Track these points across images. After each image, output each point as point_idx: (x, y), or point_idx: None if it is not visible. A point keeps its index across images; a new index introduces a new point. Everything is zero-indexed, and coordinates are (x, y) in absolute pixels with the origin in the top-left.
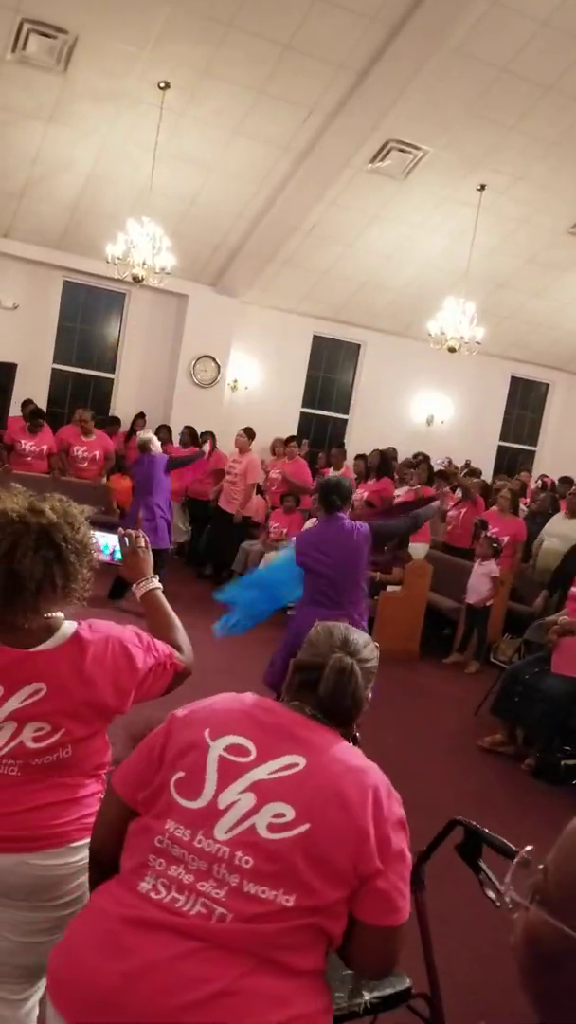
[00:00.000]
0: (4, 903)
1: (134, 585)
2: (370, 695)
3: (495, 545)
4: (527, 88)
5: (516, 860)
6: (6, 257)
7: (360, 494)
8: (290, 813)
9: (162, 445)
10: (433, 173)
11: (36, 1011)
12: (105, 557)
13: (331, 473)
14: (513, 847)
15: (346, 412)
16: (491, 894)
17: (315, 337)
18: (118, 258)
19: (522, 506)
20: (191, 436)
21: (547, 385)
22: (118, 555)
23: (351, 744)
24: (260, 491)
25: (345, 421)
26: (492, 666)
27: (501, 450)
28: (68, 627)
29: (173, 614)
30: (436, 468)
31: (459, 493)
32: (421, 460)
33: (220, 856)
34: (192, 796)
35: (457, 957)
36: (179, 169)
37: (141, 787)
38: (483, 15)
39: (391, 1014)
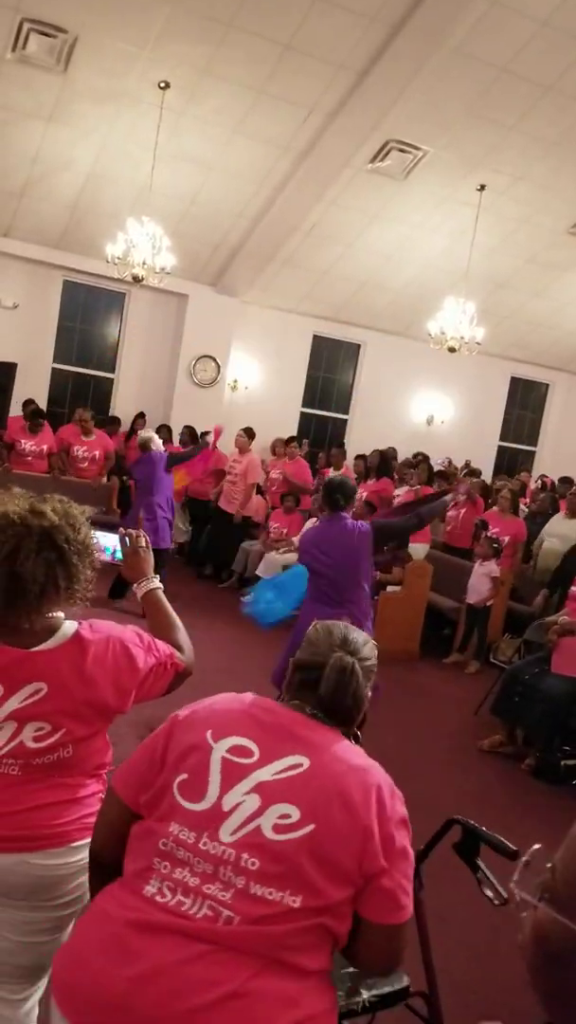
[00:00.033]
0: (4, 903)
1: (135, 585)
2: (370, 693)
3: (495, 545)
4: (527, 88)
5: (524, 859)
6: (6, 256)
7: (360, 494)
8: (295, 814)
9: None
10: (433, 173)
11: (36, 1011)
12: (107, 557)
13: (331, 473)
14: (511, 845)
15: (346, 412)
16: (489, 893)
17: (315, 337)
18: (118, 258)
19: (522, 506)
20: (191, 436)
21: (547, 385)
22: (119, 555)
23: (352, 743)
24: (260, 491)
25: (345, 421)
26: (492, 666)
27: (501, 450)
28: (69, 627)
29: (174, 614)
30: (436, 468)
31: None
32: (421, 460)
33: (226, 858)
34: (196, 798)
35: (455, 956)
36: (179, 169)
37: (143, 789)
38: (483, 15)
39: (389, 1012)
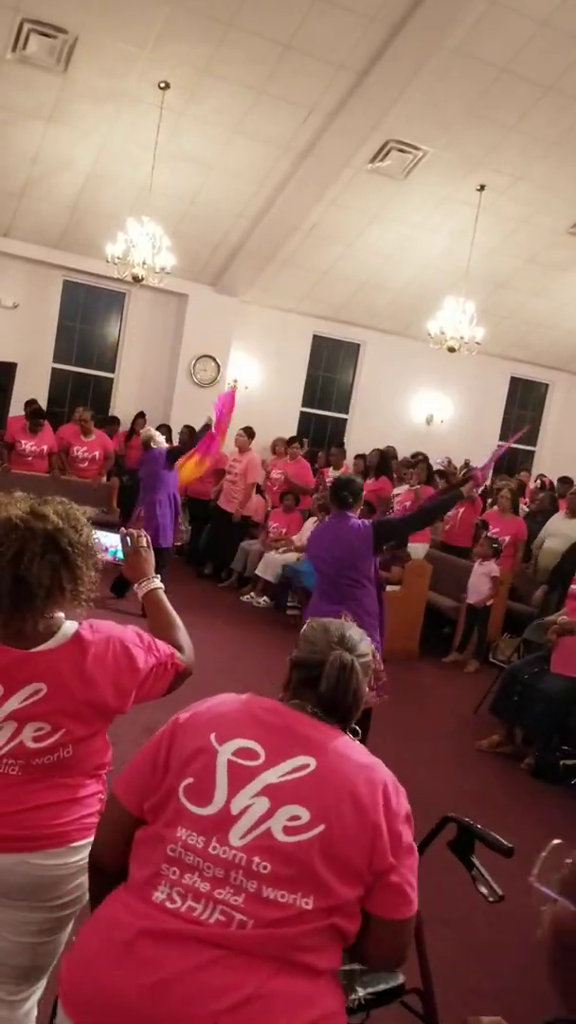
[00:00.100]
0: (4, 903)
1: (136, 585)
2: (376, 694)
3: (495, 545)
4: (527, 88)
5: (543, 854)
6: (6, 256)
7: None
8: (305, 815)
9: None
10: (433, 173)
11: (35, 1012)
12: (109, 557)
13: (331, 472)
14: (506, 843)
15: (346, 412)
16: (484, 890)
17: (315, 337)
18: (118, 257)
19: (522, 506)
20: (191, 436)
21: (547, 385)
22: (120, 554)
23: (352, 738)
24: (260, 491)
25: (345, 421)
26: (491, 665)
27: None
28: (69, 627)
29: (175, 614)
30: (435, 468)
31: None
32: (420, 460)
33: (237, 862)
34: (203, 802)
35: (450, 952)
36: (179, 169)
37: (146, 794)
38: (483, 15)
39: (385, 1010)
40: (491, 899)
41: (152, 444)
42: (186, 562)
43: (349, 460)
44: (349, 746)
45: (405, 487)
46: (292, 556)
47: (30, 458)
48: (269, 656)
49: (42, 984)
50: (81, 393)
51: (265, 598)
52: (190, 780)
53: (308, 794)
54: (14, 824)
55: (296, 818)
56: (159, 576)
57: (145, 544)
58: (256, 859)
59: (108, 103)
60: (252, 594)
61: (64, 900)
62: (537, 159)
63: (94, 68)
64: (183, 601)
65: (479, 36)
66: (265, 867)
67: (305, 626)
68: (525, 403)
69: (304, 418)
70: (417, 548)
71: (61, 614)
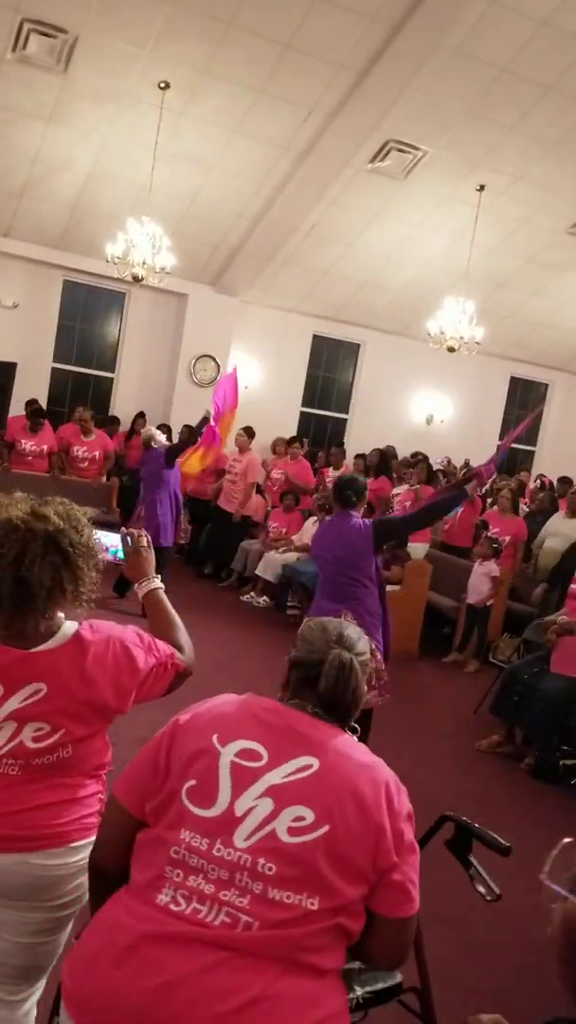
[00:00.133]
0: (3, 903)
1: (136, 585)
2: (378, 694)
3: (495, 545)
4: (527, 88)
5: (554, 852)
6: (6, 256)
7: None
8: (310, 816)
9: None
10: (433, 173)
11: (34, 1012)
12: (110, 557)
13: (331, 472)
14: (503, 841)
15: (346, 411)
16: (481, 889)
17: (315, 336)
18: (118, 257)
19: (522, 506)
20: (190, 434)
21: (546, 385)
22: (120, 554)
23: (351, 737)
24: (260, 490)
25: (345, 420)
26: (491, 665)
27: None
28: (69, 627)
29: (175, 614)
30: (435, 467)
31: None
32: (420, 460)
33: (242, 864)
34: (206, 804)
35: (447, 951)
36: (179, 168)
37: (147, 797)
38: (482, 15)
39: (382, 1009)
40: (488, 898)
41: (153, 443)
42: (186, 562)
43: (349, 460)
44: (350, 745)
45: (405, 487)
46: (292, 556)
47: (30, 458)
48: (269, 656)
49: (41, 984)
50: (81, 393)
51: (265, 598)
52: (192, 782)
53: (312, 795)
54: (14, 824)
55: (300, 819)
56: (159, 576)
57: (145, 544)
58: (261, 860)
59: (108, 103)
60: (252, 594)
61: (64, 900)
62: (537, 159)
63: (94, 68)
64: (183, 601)
65: (479, 36)
66: (270, 868)
67: (303, 625)
68: (525, 403)
69: (304, 418)
70: (417, 548)
71: (61, 614)
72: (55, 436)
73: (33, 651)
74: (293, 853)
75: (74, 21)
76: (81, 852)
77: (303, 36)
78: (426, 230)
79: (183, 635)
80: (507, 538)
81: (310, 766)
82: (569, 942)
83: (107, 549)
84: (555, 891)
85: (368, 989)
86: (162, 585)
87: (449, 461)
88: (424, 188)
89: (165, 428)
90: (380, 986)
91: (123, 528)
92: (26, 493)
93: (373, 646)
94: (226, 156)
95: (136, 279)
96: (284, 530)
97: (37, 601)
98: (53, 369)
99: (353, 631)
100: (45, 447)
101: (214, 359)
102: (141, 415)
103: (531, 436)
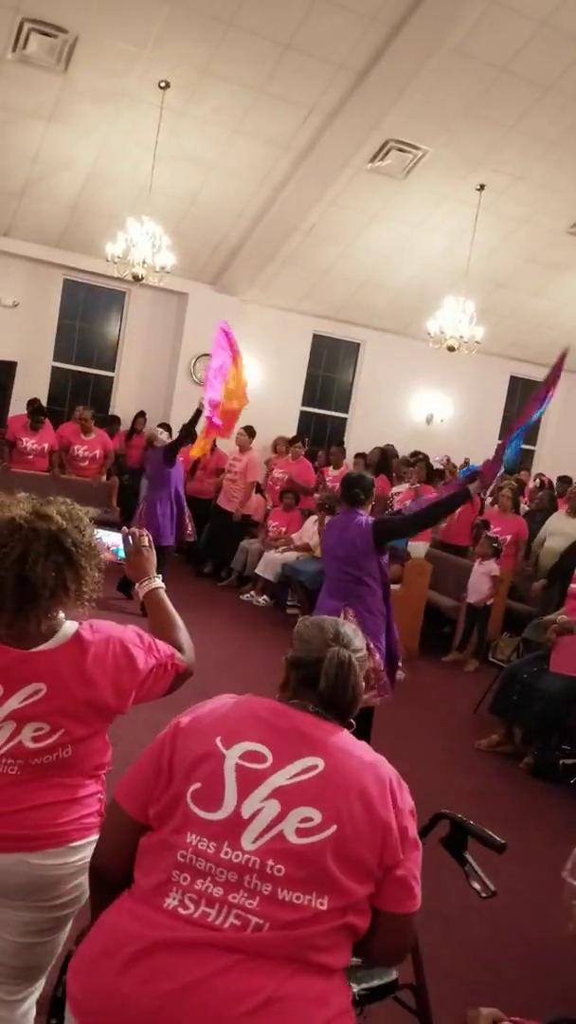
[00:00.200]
0: (3, 903)
1: (137, 584)
2: (379, 694)
3: (495, 545)
4: (527, 88)
5: None
6: (6, 255)
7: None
8: (317, 817)
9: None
10: (433, 173)
11: (33, 1011)
12: (113, 556)
13: (331, 472)
14: (498, 839)
15: (346, 411)
16: (476, 886)
17: (315, 336)
18: (118, 257)
19: (522, 505)
20: (186, 432)
21: None
22: (121, 554)
23: (353, 736)
24: (259, 490)
25: (345, 420)
26: (491, 665)
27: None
28: (69, 627)
29: (175, 614)
30: (435, 466)
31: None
32: (420, 459)
33: (251, 866)
34: (212, 807)
35: (442, 948)
36: (179, 168)
37: (151, 801)
38: (482, 15)
39: (379, 1006)
40: (484, 895)
41: (155, 443)
42: (186, 561)
43: (349, 459)
44: (353, 743)
45: (405, 486)
46: (292, 555)
47: (31, 456)
48: (269, 655)
49: (41, 984)
50: (81, 392)
51: (265, 597)
52: (198, 785)
53: (318, 795)
54: (13, 824)
55: (308, 820)
56: (160, 576)
57: (147, 543)
58: (270, 862)
59: (108, 103)
60: (252, 593)
61: (63, 900)
62: (537, 159)
63: (94, 68)
64: (183, 600)
65: (479, 36)
66: (279, 870)
67: (299, 624)
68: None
69: (304, 417)
70: (418, 547)
71: (62, 614)
72: (55, 435)
73: (33, 651)
74: (302, 854)
75: (74, 21)
76: (80, 852)
77: (303, 36)
78: (426, 230)
79: (184, 635)
80: (508, 537)
81: (315, 766)
82: None
83: (110, 548)
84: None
85: (364, 986)
86: (163, 585)
87: (448, 460)
88: (424, 188)
89: (165, 427)
90: (376, 983)
91: (125, 527)
92: (27, 492)
93: (371, 645)
94: (226, 156)
95: (136, 278)
96: (284, 529)
97: (40, 600)
98: (53, 368)
99: (349, 628)
100: (46, 445)
101: None
102: (142, 414)
103: (531, 435)
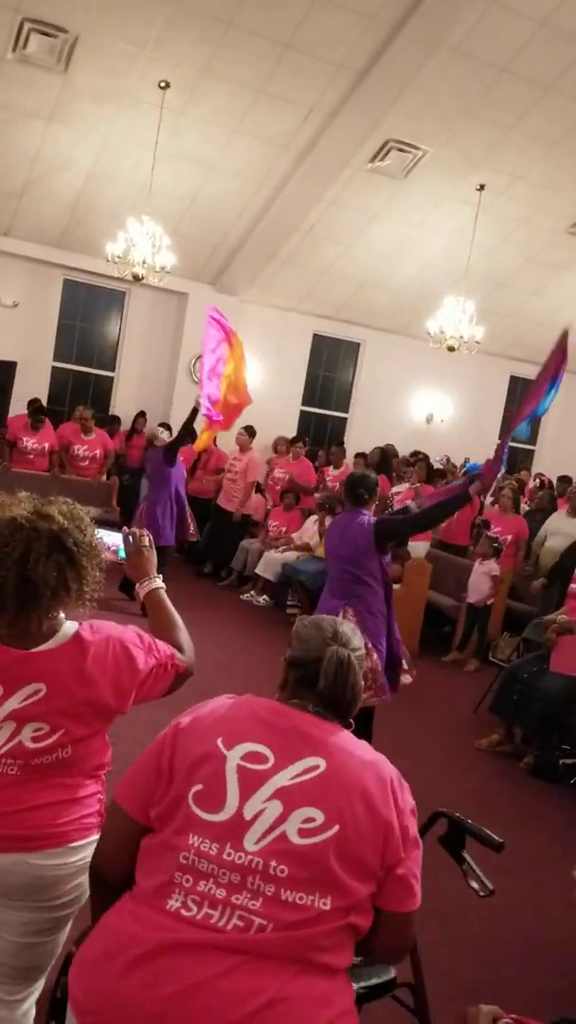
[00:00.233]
0: (2, 903)
1: (137, 584)
2: (377, 695)
3: (495, 545)
4: (527, 88)
5: None
6: (6, 255)
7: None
8: (320, 817)
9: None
10: (433, 172)
11: (33, 1011)
12: (114, 556)
13: (331, 471)
14: (496, 837)
15: (346, 410)
16: (474, 884)
17: (315, 336)
18: (118, 256)
19: (522, 504)
20: (183, 431)
21: None
22: (122, 554)
23: (352, 734)
24: (259, 489)
25: (345, 419)
26: (491, 664)
27: None
28: (69, 627)
29: (176, 614)
30: (435, 466)
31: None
32: (420, 459)
33: (254, 867)
34: (214, 809)
35: (440, 947)
36: (179, 168)
37: (152, 802)
38: (482, 15)
39: (376, 1004)
40: (482, 893)
41: (156, 442)
42: (186, 561)
43: (349, 459)
44: (353, 743)
45: (405, 485)
46: (292, 555)
47: (32, 456)
48: (269, 655)
49: (40, 985)
50: (81, 392)
51: (265, 597)
52: (199, 787)
53: (320, 795)
54: (13, 824)
55: (311, 820)
56: (160, 576)
57: (147, 544)
58: (273, 863)
59: (108, 102)
60: (252, 593)
61: (63, 900)
62: (537, 159)
63: (94, 67)
64: (183, 600)
65: (479, 36)
66: (283, 871)
67: (296, 624)
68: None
69: (304, 417)
70: (418, 547)
71: (62, 615)
72: (55, 435)
73: (33, 651)
74: (304, 854)
75: (74, 21)
76: (80, 852)
77: (303, 36)
78: (426, 229)
79: (184, 635)
80: (509, 537)
81: (317, 767)
82: None
83: (111, 548)
84: None
85: (362, 984)
86: (163, 585)
87: (448, 459)
88: (424, 187)
89: (166, 427)
90: (374, 981)
91: (125, 527)
92: (28, 492)
93: (369, 645)
94: (226, 156)
95: (136, 278)
96: (284, 529)
97: (42, 600)
98: (53, 368)
99: (347, 627)
100: (46, 445)
101: None
102: (142, 414)
103: (531, 435)
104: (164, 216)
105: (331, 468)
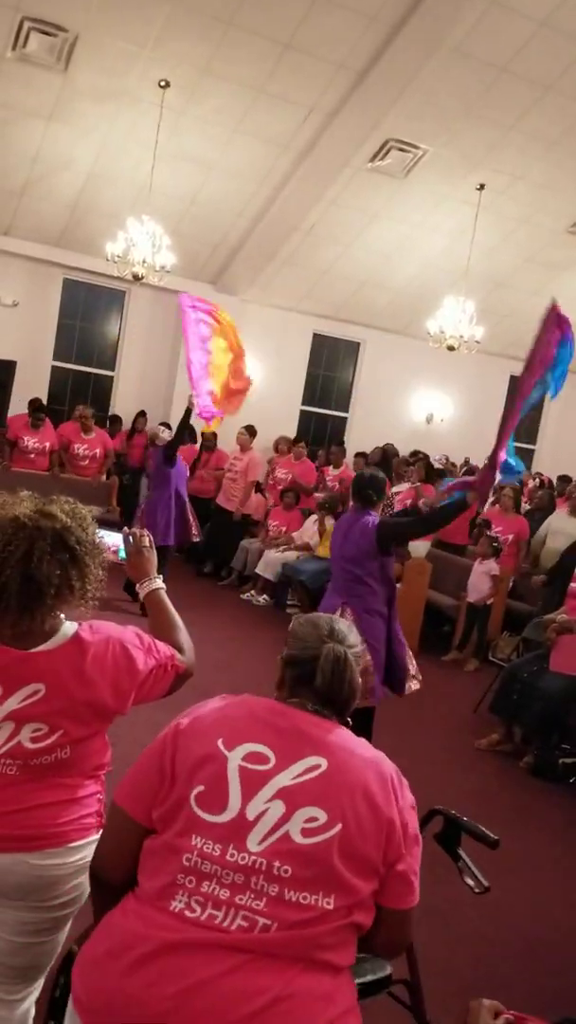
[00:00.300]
0: (2, 903)
1: (137, 585)
2: (376, 695)
3: (495, 544)
4: (527, 88)
5: None
6: (6, 255)
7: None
8: (322, 816)
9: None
10: (433, 172)
11: (33, 1011)
12: (114, 556)
13: (331, 471)
14: (491, 834)
15: (346, 410)
16: (470, 881)
17: (315, 335)
18: (118, 256)
19: (522, 504)
20: (190, 434)
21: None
22: (122, 554)
23: (351, 732)
24: (260, 489)
25: (345, 419)
26: (491, 664)
27: None
28: (69, 628)
29: (176, 614)
30: (435, 466)
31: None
32: (420, 459)
33: (257, 867)
34: (217, 810)
35: (438, 945)
36: (179, 168)
37: (154, 804)
38: (482, 15)
39: (372, 1001)
40: (477, 890)
41: (157, 441)
42: (186, 561)
43: (349, 458)
44: (353, 741)
45: (406, 485)
46: (292, 554)
47: (32, 455)
48: (269, 654)
49: (39, 984)
50: (81, 391)
51: (265, 596)
52: (201, 788)
53: (323, 794)
54: (12, 824)
55: (314, 819)
56: (161, 576)
57: (148, 544)
58: (277, 863)
59: (108, 102)
60: (252, 592)
61: (62, 900)
62: (536, 158)
63: (94, 67)
64: (183, 600)
65: (479, 36)
66: (286, 870)
67: (293, 622)
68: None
69: (304, 416)
70: (419, 546)
71: (62, 615)
72: (56, 434)
73: (32, 651)
74: (308, 854)
75: (74, 20)
76: (80, 852)
77: (303, 36)
78: (426, 229)
79: (184, 636)
80: (510, 537)
81: (318, 766)
82: None
83: (111, 549)
84: None
85: (358, 981)
86: (164, 585)
87: (447, 459)
88: (424, 187)
89: (167, 426)
90: (370, 978)
91: (126, 528)
92: (29, 492)
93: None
94: (226, 155)
95: (136, 278)
96: (284, 528)
97: (45, 599)
98: (53, 367)
99: (343, 625)
100: (47, 444)
101: None
102: (142, 414)
103: (531, 435)
104: (164, 216)
105: (331, 468)
